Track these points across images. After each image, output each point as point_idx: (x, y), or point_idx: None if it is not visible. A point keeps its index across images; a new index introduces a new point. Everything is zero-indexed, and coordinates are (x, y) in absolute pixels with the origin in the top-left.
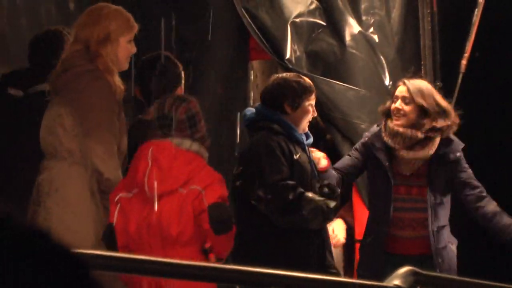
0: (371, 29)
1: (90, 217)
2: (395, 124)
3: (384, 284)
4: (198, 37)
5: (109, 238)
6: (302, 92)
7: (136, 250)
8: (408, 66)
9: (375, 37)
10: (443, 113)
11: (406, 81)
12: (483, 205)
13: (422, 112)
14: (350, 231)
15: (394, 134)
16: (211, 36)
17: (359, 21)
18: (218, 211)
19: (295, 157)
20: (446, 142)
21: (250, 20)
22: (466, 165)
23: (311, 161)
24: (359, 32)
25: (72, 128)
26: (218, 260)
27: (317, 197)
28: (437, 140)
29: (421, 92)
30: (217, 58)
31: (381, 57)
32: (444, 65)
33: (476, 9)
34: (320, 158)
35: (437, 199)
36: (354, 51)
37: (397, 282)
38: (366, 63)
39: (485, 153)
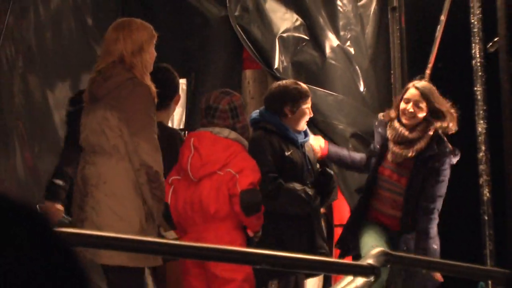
0: (348, 43)
1: (135, 206)
2: (405, 123)
3: (359, 263)
4: (199, 48)
5: (166, 215)
6: (300, 97)
7: (183, 225)
8: (379, 75)
9: (351, 50)
10: (443, 117)
11: (417, 84)
12: (419, 220)
13: (433, 114)
14: (327, 217)
15: (391, 127)
16: (210, 48)
17: (338, 36)
18: (248, 197)
19: (286, 153)
20: (436, 144)
21: (243, 35)
22: (442, 178)
23: (306, 157)
24: (338, 45)
25: (118, 129)
26: (255, 233)
27: (298, 186)
28: (423, 142)
29: (430, 98)
30: (215, 67)
31: (356, 67)
32: (411, 74)
33: (439, 26)
34: (316, 148)
35: (414, 192)
36: (333, 61)
37: (370, 261)
38: (344, 72)
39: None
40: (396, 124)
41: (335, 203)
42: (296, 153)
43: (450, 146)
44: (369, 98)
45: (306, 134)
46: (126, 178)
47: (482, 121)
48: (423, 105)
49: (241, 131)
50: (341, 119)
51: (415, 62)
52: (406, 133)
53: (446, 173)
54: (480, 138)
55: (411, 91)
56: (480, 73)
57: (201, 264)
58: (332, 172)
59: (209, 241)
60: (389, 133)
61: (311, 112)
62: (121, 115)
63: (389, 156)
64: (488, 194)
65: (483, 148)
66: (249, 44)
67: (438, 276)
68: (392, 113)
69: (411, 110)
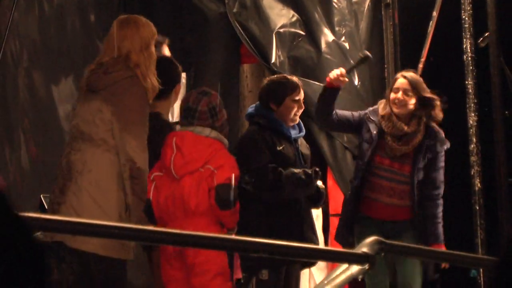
0: (343, 38)
1: (116, 198)
2: (396, 112)
3: (354, 251)
4: (199, 44)
5: (148, 211)
6: (283, 91)
7: (165, 219)
8: (373, 69)
9: (346, 45)
10: (432, 106)
11: (405, 74)
12: (427, 206)
13: (421, 103)
14: (324, 207)
15: (388, 120)
16: (209, 43)
17: (333, 31)
18: (222, 191)
19: (278, 148)
20: (431, 134)
21: (241, 30)
22: (441, 164)
23: (297, 152)
24: (333, 40)
25: (110, 122)
26: (229, 230)
27: (295, 170)
28: (420, 135)
29: (419, 87)
30: (214, 61)
31: (351, 61)
32: (404, 68)
33: (431, 22)
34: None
35: (419, 181)
36: (328, 56)
37: (365, 249)
38: (338, 66)
39: None
40: (394, 118)
41: (331, 193)
42: (288, 148)
43: (442, 133)
44: (363, 91)
45: (300, 129)
46: (111, 170)
47: (473, 114)
48: (412, 93)
49: (220, 129)
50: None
51: (408, 57)
52: (405, 127)
53: (443, 159)
54: (471, 130)
55: (400, 81)
56: (471, 67)
57: (180, 255)
58: (317, 173)
59: None
60: (385, 126)
61: (301, 105)
62: (114, 110)
63: (387, 149)
64: (479, 185)
65: (474, 140)
66: (247, 39)
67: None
68: (387, 107)
69: (401, 97)
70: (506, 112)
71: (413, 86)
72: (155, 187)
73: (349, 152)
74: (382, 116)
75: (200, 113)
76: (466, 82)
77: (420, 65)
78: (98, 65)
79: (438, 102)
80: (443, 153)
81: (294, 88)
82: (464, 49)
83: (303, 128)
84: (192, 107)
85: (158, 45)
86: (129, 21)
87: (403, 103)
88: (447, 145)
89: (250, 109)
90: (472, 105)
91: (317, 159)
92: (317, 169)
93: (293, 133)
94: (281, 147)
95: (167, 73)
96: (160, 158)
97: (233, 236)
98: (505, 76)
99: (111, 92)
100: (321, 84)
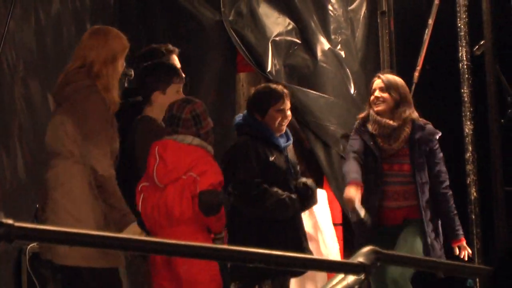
0: (339, 46)
1: (90, 208)
2: (376, 110)
3: (349, 261)
4: (195, 52)
5: (140, 224)
6: (267, 100)
7: (154, 229)
8: (369, 77)
9: (342, 53)
10: (410, 104)
11: (380, 75)
12: (439, 201)
13: (396, 102)
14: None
15: (374, 121)
16: (205, 52)
17: (329, 40)
18: (206, 197)
19: (270, 159)
20: (419, 127)
21: (237, 39)
22: (440, 156)
23: (288, 161)
24: (329, 49)
25: (73, 134)
26: (216, 235)
27: (280, 192)
28: (407, 128)
29: (394, 85)
30: (210, 70)
31: (347, 69)
32: (400, 76)
33: (427, 29)
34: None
35: (422, 178)
36: (324, 64)
37: (360, 259)
38: (335, 75)
39: None
40: (377, 117)
41: (330, 203)
42: (279, 158)
43: (431, 125)
44: (359, 100)
45: (288, 138)
46: (81, 180)
47: (469, 122)
48: (388, 91)
49: (205, 137)
50: (332, 120)
51: (403, 65)
52: (390, 122)
53: (440, 150)
54: (467, 139)
55: (376, 82)
56: (467, 76)
57: (168, 265)
58: (313, 186)
59: None
60: (373, 128)
61: (286, 115)
62: (75, 120)
63: (383, 153)
64: (475, 194)
65: (470, 148)
66: (243, 47)
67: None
68: (367, 110)
69: (378, 95)
70: (502, 121)
71: (389, 85)
72: (143, 198)
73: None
74: (367, 120)
75: (184, 120)
76: (462, 91)
77: (416, 73)
78: (63, 76)
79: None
80: (437, 143)
81: (278, 98)
82: (460, 57)
83: (291, 136)
84: (176, 115)
85: (167, 53)
86: (99, 32)
87: (380, 100)
88: (438, 134)
89: (238, 118)
90: (468, 113)
91: (313, 167)
92: (308, 183)
93: (282, 141)
94: (273, 158)
95: (141, 79)
96: (146, 168)
97: (226, 246)
98: (501, 84)
99: (71, 103)
100: (317, 93)
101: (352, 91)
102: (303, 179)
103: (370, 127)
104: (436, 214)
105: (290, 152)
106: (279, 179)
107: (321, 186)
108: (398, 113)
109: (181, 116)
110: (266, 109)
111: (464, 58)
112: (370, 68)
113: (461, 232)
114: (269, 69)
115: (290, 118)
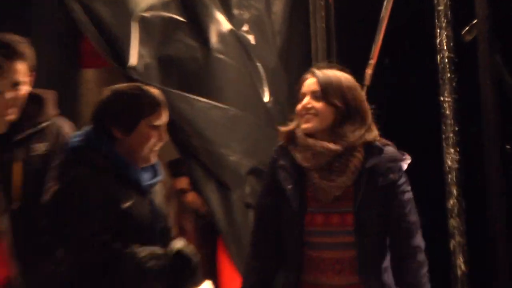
0: (245, 27)
1: None
2: (304, 128)
3: None
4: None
5: None
6: (138, 109)
7: None
8: (294, 77)
9: (250, 38)
10: (362, 115)
11: (315, 70)
12: (403, 270)
13: (339, 115)
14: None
15: (304, 147)
16: (31, 37)
17: (229, 17)
18: None
19: (123, 205)
20: (373, 151)
21: (82, 15)
22: (406, 196)
23: (153, 209)
24: (229, 30)
25: None
26: None
27: (142, 253)
28: (359, 154)
29: (336, 86)
30: (39, 63)
31: (258, 64)
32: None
33: (385, 2)
34: None
35: (369, 231)
36: (221, 56)
37: None
38: (238, 72)
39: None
40: (307, 139)
41: (222, 274)
42: (140, 204)
43: (393, 147)
44: (277, 112)
45: (156, 172)
46: None
47: (452, 150)
48: (326, 97)
49: None
50: (233, 146)
51: (348, 57)
52: (331, 145)
53: (407, 185)
54: (449, 177)
55: (307, 82)
56: (448, 75)
57: None
58: (191, 256)
59: None
60: (303, 159)
61: (163, 136)
62: None
63: (318, 195)
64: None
65: (454, 192)
66: (92, 29)
67: None
68: (293, 125)
69: (309, 105)
70: (508, 147)
71: (325, 86)
72: None
73: (253, 212)
74: (292, 143)
75: None
76: (441, 98)
77: (369, 70)
78: None
79: (370, 117)
80: (402, 175)
81: (156, 107)
82: (438, 45)
83: (160, 169)
84: None
85: None
86: None
87: (311, 112)
88: (403, 160)
89: (76, 138)
90: (451, 135)
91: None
92: (185, 251)
93: (145, 177)
94: (128, 203)
95: None
96: None
97: None
98: (505, 85)
99: None
100: (209, 101)
101: (265, 98)
102: (178, 244)
103: (299, 156)
104: None
105: (158, 195)
106: (140, 237)
107: (213, 256)
108: (342, 131)
109: None
110: (134, 123)
111: (445, 47)
112: (295, 61)
113: None
114: (132, 62)
115: (165, 140)
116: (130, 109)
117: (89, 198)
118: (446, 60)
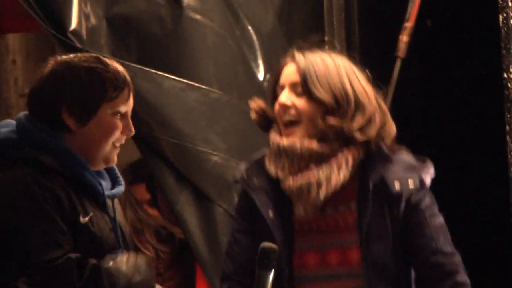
0: None
1: None
2: (286, 132)
3: None
4: None
5: None
6: (98, 89)
7: None
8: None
9: None
10: (357, 105)
11: (296, 54)
12: None
13: (327, 110)
14: None
15: (277, 153)
16: None
17: None
18: None
19: (81, 219)
20: (380, 160)
21: None
22: (435, 222)
23: (115, 225)
24: None
25: None
26: None
27: (123, 267)
28: (350, 155)
29: (321, 74)
30: None
31: (249, 27)
32: (367, 43)
33: None
34: None
35: (383, 272)
36: (198, 16)
37: None
38: (222, 40)
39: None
40: (283, 140)
41: None
42: (99, 220)
43: (408, 153)
44: None
45: (116, 180)
46: None
47: None
48: (307, 90)
49: None
50: (215, 141)
51: (372, 17)
52: (313, 144)
53: (434, 205)
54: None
55: (287, 70)
56: None
57: None
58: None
59: None
60: (273, 167)
61: (131, 127)
62: None
63: (301, 211)
64: None
65: None
66: None
67: None
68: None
69: (288, 102)
70: None
71: (306, 79)
72: None
73: None
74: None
75: None
76: (504, 76)
77: (404, 37)
78: None
79: (382, 108)
80: (425, 192)
81: (120, 86)
82: (500, 1)
83: (120, 177)
84: None
85: None
86: None
87: (292, 115)
88: (426, 171)
89: (3, 130)
90: None
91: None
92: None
93: (104, 184)
94: (86, 218)
95: None
96: None
97: None
98: None
99: None
100: (181, 80)
101: (260, 75)
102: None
103: (271, 167)
104: None
105: (117, 210)
106: (100, 258)
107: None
108: (333, 131)
109: None
110: (95, 108)
111: (510, 3)
112: (299, 24)
113: None
114: (74, 26)
115: (133, 133)
116: (87, 89)
117: (42, 207)
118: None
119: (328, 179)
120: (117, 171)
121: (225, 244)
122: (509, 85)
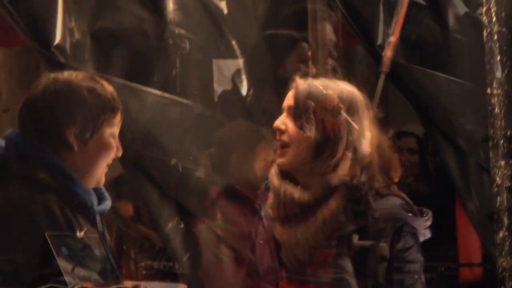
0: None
1: None
2: (277, 163)
3: None
4: None
5: None
6: (100, 110)
7: None
8: (282, 59)
9: (222, 5)
10: (348, 146)
11: (299, 78)
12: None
13: (314, 142)
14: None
15: (272, 190)
16: None
17: None
18: None
19: (78, 234)
20: (361, 203)
21: None
22: (408, 266)
23: (104, 241)
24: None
25: None
26: None
27: None
28: (330, 211)
29: (312, 101)
30: None
31: (233, 42)
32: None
33: None
34: None
35: None
36: (182, 31)
37: None
38: (204, 53)
39: None
40: (275, 181)
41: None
42: (92, 236)
43: (406, 202)
44: (259, 110)
45: (101, 196)
46: None
47: (503, 163)
48: (299, 119)
49: None
50: (199, 157)
51: (357, 26)
52: (296, 192)
53: (415, 252)
54: (498, 200)
55: (290, 92)
56: (499, 57)
57: None
58: None
59: None
60: (269, 204)
61: (120, 146)
62: None
63: (288, 254)
64: None
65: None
66: None
67: None
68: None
69: (282, 126)
70: None
71: (297, 105)
72: None
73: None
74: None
75: None
76: (488, 91)
77: (388, 52)
78: None
79: (388, 144)
80: (410, 241)
81: (116, 106)
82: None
83: (106, 194)
84: None
85: None
86: None
87: (284, 139)
88: (421, 228)
89: None
90: (501, 142)
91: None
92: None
93: (93, 200)
94: (81, 233)
95: None
96: None
97: None
98: None
99: None
100: (165, 94)
101: (243, 90)
102: None
103: (269, 209)
104: None
105: (104, 227)
106: None
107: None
108: (316, 167)
109: None
110: (96, 127)
111: (494, 18)
112: (285, 35)
113: None
114: (57, 41)
115: (120, 153)
116: (91, 109)
117: (36, 225)
118: (496, 36)
119: (308, 240)
120: (102, 189)
121: (207, 259)
122: (493, 100)
